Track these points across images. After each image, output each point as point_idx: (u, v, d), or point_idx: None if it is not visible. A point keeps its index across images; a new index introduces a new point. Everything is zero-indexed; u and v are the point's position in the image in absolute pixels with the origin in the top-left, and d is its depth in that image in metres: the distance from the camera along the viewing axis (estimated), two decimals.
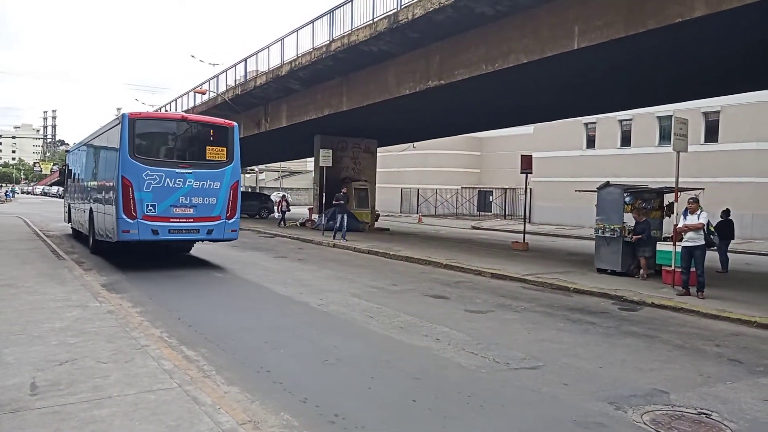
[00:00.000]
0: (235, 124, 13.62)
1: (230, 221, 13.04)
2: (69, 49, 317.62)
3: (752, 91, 20.91)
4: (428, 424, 4.65)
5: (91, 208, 15.02)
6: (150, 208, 12.13)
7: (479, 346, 6.91)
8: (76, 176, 18.82)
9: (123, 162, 12.05)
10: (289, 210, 29.17)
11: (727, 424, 4.73)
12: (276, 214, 29.12)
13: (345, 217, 20.49)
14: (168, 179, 12.27)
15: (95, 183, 15.19)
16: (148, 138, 12.89)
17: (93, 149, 16.12)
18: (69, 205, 19.82)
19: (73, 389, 4.69)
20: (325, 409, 4.80)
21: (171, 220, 12.38)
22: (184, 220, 12.54)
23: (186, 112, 34.11)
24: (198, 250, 16.37)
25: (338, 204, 20.75)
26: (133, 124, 12.29)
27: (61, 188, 22.75)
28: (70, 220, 19.63)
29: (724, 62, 13.76)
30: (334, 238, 20.21)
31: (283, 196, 30.07)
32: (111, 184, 12.74)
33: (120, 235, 12.13)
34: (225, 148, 13.05)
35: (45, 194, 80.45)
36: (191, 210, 12.56)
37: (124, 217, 11.96)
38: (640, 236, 12.62)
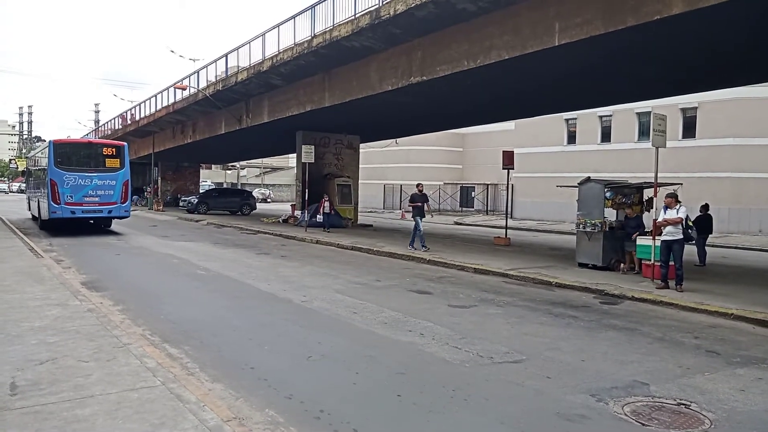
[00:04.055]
0: (125, 144, 21.43)
1: (123, 205, 20.19)
2: (45, 45, 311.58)
3: (729, 88, 21.27)
4: (413, 418, 4.67)
5: (38, 199, 22.26)
6: (69, 197, 19.06)
7: (463, 340, 6.95)
8: (31, 177, 26.51)
9: (50, 170, 19.17)
10: (333, 212, 23.85)
11: (706, 414, 4.83)
12: (319, 217, 23.36)
13: (420, 220, 16.72)
14: (80, 180, 19.34)
15: (39, 182, 22.28)
16: (67, 155, 19.80)
17: (37, 160, 23.78)
18: (29, 197, 27.72)
19: (55, 389, 4.63)
20: (311, 405, 4.80)
21: (83, 204, 19.39)
22: (92, 205, 19.58)
23: (166, 107, 33.79)
24: (181, 248, 16.55)
25: (416, 206, 16.93)
26: (56, 146, 19.76)
27: None
28: (30, 208, 26.62)
29: (702, 59, 13.98)
30: (411, 246, 16.54)
31: (325, 197, 24.00)
32: (45, 183, 19.61)
33: (50, 215, 19.22)
34: (119, 159, 20.35)
35: (22, 191, 78.45)
36: (97, 198, 19.60)
37: (52, 203, 18.98)
38: (637, 232, 12.60)
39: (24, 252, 13.54)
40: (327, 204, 23.15)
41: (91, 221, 20.84)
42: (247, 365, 5.84)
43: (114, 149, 20.61)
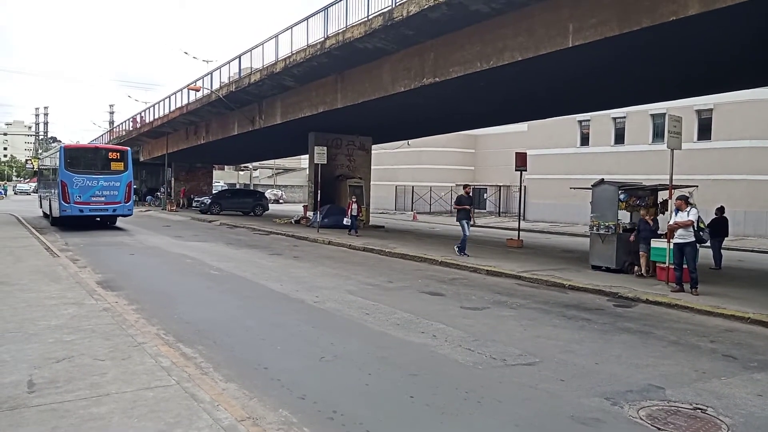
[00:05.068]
0: (128, 148, 23.63)
1: (127, 204, 22.17)
2: (61, 46, 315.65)
3: (745, 89, 21.03)
4: (426, 420, 4.67)
5: (49, 198, 24.25)
6: (78, 197, 20.92)
7: (476, 342, 6.93)
8: (43, 178, 29.02)
9: (61, 172, 21.04)
10: (360, 214, 23.09)
11: (723, 419, 4.78)
12: (346, 220, 22.30)
13: (467, 225, 15.67)
14: (88, 181, 21.23)
15: (50, 183, 24.26)
16: (76, 158, 21.84)
17: (49, 162, 25.61)
18: (40, 196, 30.14)
19: (71, 387, 4.68)
20: (324, 405, 4.81)
21: (90, 204, 21.29)
22: (99, 204, 21.48)
23: (180, 108, 34.07)
24: (194, 248, 16.67)
25: (462, 209, 15.89)
26: (66, 151, 21.80)
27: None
28: (41, 206, 28.65)
29: (718, 60, 13.82)
30: (463, 252, 15.46)
31: (353, 198, 22.92)
32: (56, 184, 21.53)
33: (61, 213, 21.10)
34: (123, 163, 22.30)
35: (36, 191, 79.22)
36: (103, 198, 21.51)
37: (63, 202, 20.86)
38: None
39: (40, 251, 13.70)
40: (355, 206, 22.18)
41: (98, 219, 22.65)
42: (260, 365, 5.87)
43: (118, 153, 22.74)
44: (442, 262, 14.47)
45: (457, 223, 15.97)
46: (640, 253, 12.60)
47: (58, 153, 22.19)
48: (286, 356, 6.29)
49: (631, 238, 12.71)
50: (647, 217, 12.66)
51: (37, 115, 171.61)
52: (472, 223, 16.22)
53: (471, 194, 16.36)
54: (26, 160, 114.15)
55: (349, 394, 5.16)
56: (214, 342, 6.69)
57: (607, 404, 5.02)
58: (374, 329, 7.54)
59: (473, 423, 4.60)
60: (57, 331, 6.38)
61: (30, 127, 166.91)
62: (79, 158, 21.99)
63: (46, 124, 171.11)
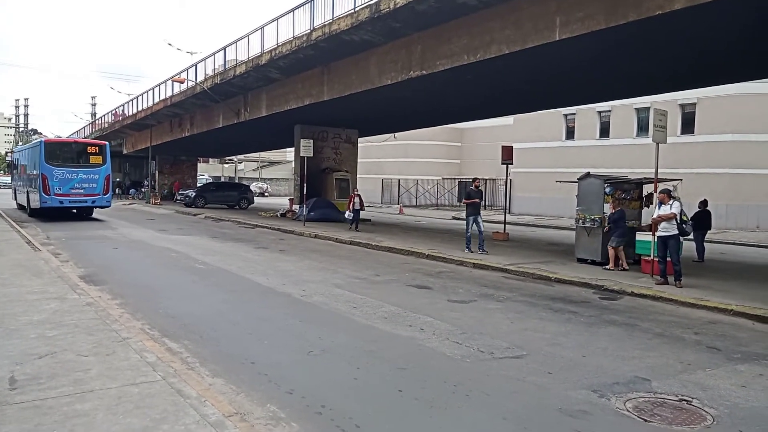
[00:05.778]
0: (107, 143, 24.68)
1: (105, 196, 23.13)
2: (42, 37, 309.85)
3: (731, 83, 21.25)
4: (415, 413, 4.66)
5: (27, 190, 24.91)
6: (58, 189, 21.82)
7: (463, 335, 6.94)
8: (19, 170, 28.58)
9: (41, 165, 21.97)
10: (363, 209, 22.44)
11: (708, 410, 4.83)
12: (348, 214, 21.66)
13: (479, 220, 14.98)
14: (68, 174, 22.16)
15: (30, 176, 24.59)
16: (56, 152, 22.72)
17: (28, 155, 25.82)
18: (15, 188, 30.70)
19: (54, 383, 4.60)
20: (312, 400, 4.78)
21: (70, 195, 22.22)
22: (78, 196, 22.43)
23: (164, 100, 33.69)
24: (179, 241, 16.53)
25: (471, 203, 15.23)
26: (46, 145, 22.88)
27: None
28: (16, 198, 29.69)
29: (703, 55, 13.94)
30: (469, 250, 14.88)
31: (355, 191, 22.57)
32: (36, 176, 22.43)
33: (41, 204, 21.95)
34: (101, 156, 23.28)
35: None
36: (82, 190, 22.45)
37: (43, 194, 21.71)
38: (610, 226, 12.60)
39: (21, 245, 13.48)
40: (357, 200, 21.37)
41: (74, 210, 23.79)
42: (247, 360, 5.82)
43: (97, 147, 23.79)
44: (429, 255, 14.47)
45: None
46: (611, 246, 12.60)
47: (38, 147, 22.97)
48: (274, 350, 6.25)
49: (605, 229, 12.80)
50: (611, 208, 12.78)
51: (17, 107, 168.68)
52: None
53: (480, 188, 15.85)
54: (6, 153, 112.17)
55: (338, 389, 5.14)
56: (200, 336, 6.63)
57: (594, 396, 5.05)
58: (362, 323, 7.52)
59: (462, 416, 4.60)
60: (39, 326, 6.27)
61: (10, 119, 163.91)
62: (59, 152, 22.90)
63: (26, 116, 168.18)
